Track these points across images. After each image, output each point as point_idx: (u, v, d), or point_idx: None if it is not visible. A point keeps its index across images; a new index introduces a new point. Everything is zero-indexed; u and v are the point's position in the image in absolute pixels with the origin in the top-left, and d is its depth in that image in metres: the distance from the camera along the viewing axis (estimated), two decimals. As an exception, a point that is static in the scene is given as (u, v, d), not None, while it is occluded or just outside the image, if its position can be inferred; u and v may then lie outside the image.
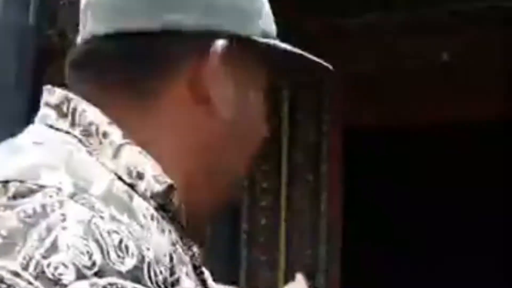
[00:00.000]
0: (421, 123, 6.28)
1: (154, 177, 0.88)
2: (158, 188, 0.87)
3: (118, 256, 0.74)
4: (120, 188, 0.84)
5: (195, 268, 0.93)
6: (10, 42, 3.67)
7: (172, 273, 0.81)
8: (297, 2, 5.76)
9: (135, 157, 0.88)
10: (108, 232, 0.75)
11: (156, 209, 0.87)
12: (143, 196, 0.86)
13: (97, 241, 0.74)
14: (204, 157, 0.95)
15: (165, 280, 0.79)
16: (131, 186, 0.86)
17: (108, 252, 0.74)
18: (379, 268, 7.09)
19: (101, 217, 0.76)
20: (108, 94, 0.92)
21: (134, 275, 0.75)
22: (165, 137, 0.92)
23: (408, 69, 5.95)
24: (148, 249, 0.78)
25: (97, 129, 0.89)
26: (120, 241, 0.75)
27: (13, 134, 3.44)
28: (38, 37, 3.72)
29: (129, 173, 0.87)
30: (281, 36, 1.08)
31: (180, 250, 0.87)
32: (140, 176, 0.87)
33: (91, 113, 0.89)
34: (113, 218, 0.77)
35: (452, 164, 7.23)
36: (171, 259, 0.82)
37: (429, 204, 7.23)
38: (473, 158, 7.18)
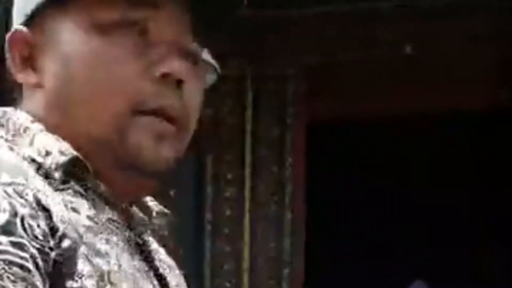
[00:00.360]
0: (386, 115, 6.29)
1: (60, 151, 0.98)
2: (64, 159, 0.97)
3: None
4: (26, 164, 0.96)
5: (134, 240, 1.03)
6: None
7: (56, 229, 0.89)
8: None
9: (46, 140, 0.99)
10: None
11: (64, 182, 0.97)
12: (49, 169, 0.97)
13: None
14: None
15: (44, 232, 0.87)
16: (39, 164, 0.97)
17: None
18: (342, 261, 7.09)
19: None
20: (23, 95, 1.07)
21: (7, 228, 0.84)
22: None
23: (375, 58, 5.96)
24: (23, 206, 0.86)
25: (22, 128, 1.01)
26: None
27: None
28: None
29: (39, 153, 0.98)
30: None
31: (88, 219, 0.96)
32: (47, 153, 0.98)
33: (21, 118, 1.02)
34: None
35: (417, 157, 7.27)
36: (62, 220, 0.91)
37: (394, 197, 7.25)
38: (438, 152, 7.22)
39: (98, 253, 0.93)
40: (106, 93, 1.01)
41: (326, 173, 6.82)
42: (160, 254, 1.11)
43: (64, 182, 0.97)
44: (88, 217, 0.96)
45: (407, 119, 6.49)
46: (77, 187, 0.98)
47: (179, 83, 1.04)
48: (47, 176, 0.97)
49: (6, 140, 0.99)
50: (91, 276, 0.90)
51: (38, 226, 0.87)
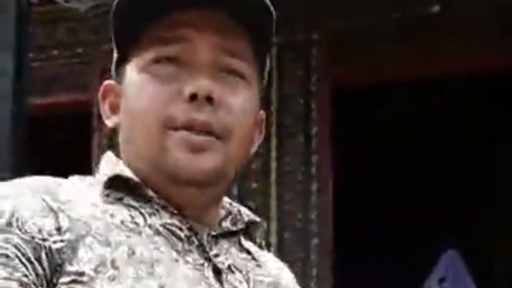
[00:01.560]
0: (414, 77, 6.19)
1: (106, 174, 1.18)
2: (104, 179, 1.18)
3: None
4: (75, 185, 1.18)
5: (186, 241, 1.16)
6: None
7: (60, 226, 1.09)
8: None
9: (106, 167, 1.21)
10: None
11: (120, 198, 1.16)
12: (96, 183, 1.18)
13: None
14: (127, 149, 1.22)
15: (39, 228, 1.08)
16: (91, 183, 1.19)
17: None
18: (371, 230, 7.07)
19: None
20: None
21: (5, 229, 1.07)
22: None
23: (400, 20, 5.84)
24: (25, 210, 1.08)
25: (101, 163, 1.24)
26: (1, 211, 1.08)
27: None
28: (19, 1, 3.62)
29: (99, 178, 1.20)
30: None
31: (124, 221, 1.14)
32: (102, 177, 1.19)
33: (105, 156, 1.24)
34: (7, 197, 1.10)
35: (445, 119, 7.19)
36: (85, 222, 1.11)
37: (422, 162, 7.20)
38: (465, 114, 7.14)
39: (105, 243, 1.09)
40: (147, 119, 1.15)
41: (353, 142, 6.74)
42: (238, 257, 1.20)
43: (118, 198, 1.16)
44: (121, 220, 1.13)
45: (434, 82, 6.39)
46: (128, 201, 1.16)
47: (209, 100, 1.13)
48: (105, 195, 1.16)
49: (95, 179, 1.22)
50: (89, 262, 1.08)
51: (34, 223, 1.08)
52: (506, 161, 7.36)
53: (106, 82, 1.25)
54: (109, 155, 1.23)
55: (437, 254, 5.92)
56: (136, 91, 1.17)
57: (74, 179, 1.20)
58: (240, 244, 1.24)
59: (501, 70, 5.91)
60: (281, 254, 5.80)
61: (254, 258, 1.25)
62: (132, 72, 1.19)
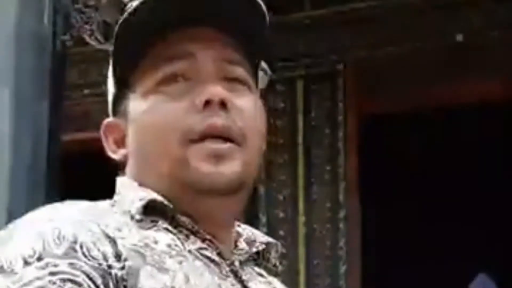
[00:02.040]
0: (436, 106, 6.25)
1: (140, 199, 1.17)
2: (138, 205, 1.17)
3: (56, 243, 1.03)
4: (104, 205, 1.18)
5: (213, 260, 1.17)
6: (27, 49, 3.72)
7: (120, 253, 1.08)
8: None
9: (131, 193, 1.19)
10: (52, 230, 1.05)
11: (153, 221, 1.16)
12: (134, 215, 1.16)
13: (40, 237, 1.04)
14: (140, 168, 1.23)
15: (104, 255, 1.06)
16: (130, 213, 1.17)
17: (48, 242, 1.03)
18: (398, 260, 7.08)
19: (52, 221, 1.08)
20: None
21: (68, 253, 1.03)
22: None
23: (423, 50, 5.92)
24: (87, 235, 1.06)
25: (118, 189, 1.23)
26: (59, 233, 1.04)
27: (36, 144, 3.44)
28: (54, 43, 3.78)
29: (128, 205, 1.18)
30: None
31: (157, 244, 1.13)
32: (132, 203, 1.17)
33: (119, 182, 1.24)
34: (63, 219, 1.09)
35: (469, 148, 7.21)
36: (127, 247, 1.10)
37: (449, 188, 7.22)
38: (490, 142, 7.15)
39: (164, 271, 1.08)
40: (165, 135, 1.17)
41: (379, 168, 6.80)
42: (259, 282, 1.23)
43: (152, 221, 1.16)
44: (167, 245, 1.12)
45: (461, 110, 6.44)
46: (164, 225, 1.16)
47: (222, 105, 1.16)
48: (137, 220, 1.15)
49: (114, 200, 1.21)
50: None
51: (98, 250, 1.06)
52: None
53: (106, 120, 1.27)
54: (125, 180, 1.23)
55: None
56: (147, 114, 1.19)
57: (100, 203, 1.20)
58: (256, 265, 1.27)
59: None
60: (309, 281, 5.89)
61: (269, 282, 1.27)
62: (137, 99, 1.21)
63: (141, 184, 1.20)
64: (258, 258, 1.28)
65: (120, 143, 1.24)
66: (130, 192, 1.19)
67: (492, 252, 6.84)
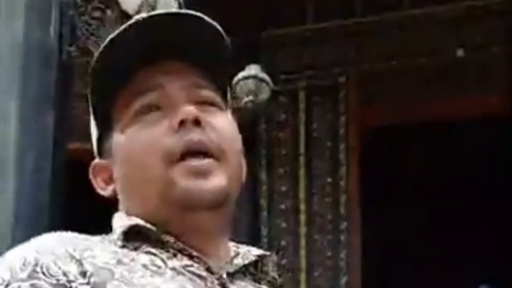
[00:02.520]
0: (437, 119, 6.30)
1: (120, 226, 1.21)
2: (119, 231, 1.21)
3: (21, 269, 1.11)
4: (95, 237, 1.22)
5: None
6: (33, 60, 3.77)
7: (85, 271, 1.12)
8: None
9: (117, 222, 1.24)
10: (19, 258, 1.13)
11: (137, 247, 1.19)
12: (117, 240, 1.20)
13: (8, 267, 1.13)
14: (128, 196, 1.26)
15: (64, 272, 1.11)
16: (114, 240, 1.21)
17: (15, 270, 1.12)
18: (400, 273, 7.09)
19: (23, 251, 1.16)
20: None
21: (31, 275, 1.11)
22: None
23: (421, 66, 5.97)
24: (48, 257, 1.12)
25: (113, 222, 1.28)
26: (24, 260, 1.12)
27: (42, 153, 3.47)
28: (60, 54, 3.83)
29: (114, 233, 1.23)
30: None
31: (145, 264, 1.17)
32: (115, 231, 1.23)
33: (114, 216, 1.28)
34: (31, 250, 1.15)
35: (467, 160, 7.24)
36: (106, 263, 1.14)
37: (451, 201, 7.25)
38: (492, 155, 7.18)
39: (131, 285, 1.12)
40: (147, 161, 1.21)
41: (380, 180, 6.83)
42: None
43: (135, 247, 1.20)
44: (143, 264, 1.16)
45: (462, 123, 6.48)
46: (147, 248, 1.19)
47: (196, 122, 1.20)
48: (120, 246, 1.20)
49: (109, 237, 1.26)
50: None
51: (59, 268, 1.12)
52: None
53: (93, 162, 1.31)
54: (119, 214, 1.27)
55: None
56: (128, 145, 1.23)
57: (93, 237, 1.23)
58: (255, 281, 1.28)
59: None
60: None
61: None
62: (117, 135, 1.25)
63: (130, 214, 1.24)
64: (257, 273, 1.28)
65: (109, 180, 1.28)
66: (117, 223, 1.24)
67: (493, 260, 6.87)
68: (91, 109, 1.30)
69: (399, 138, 6.99)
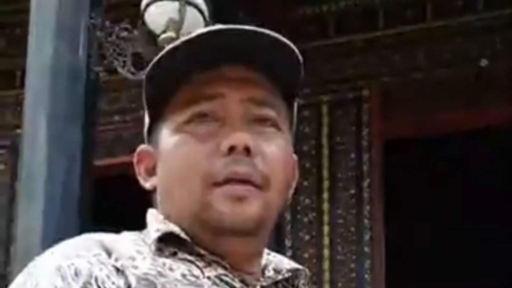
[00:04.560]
0: (459, 129, 6.31)
1: (157, 230, 1.20)
2: (155, 236, 1.19)
3: (73, 279, 1.10)
4: (130, 236, 1.22)
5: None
6: (63, 81, 3.85)
7: (129, 283, 1.12)
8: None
9: (154, 225, 1.22)
10: (68, 267, 1.12)
11: (174, 253, 1.18)
12: (152, 245, 1.18)
13: (60, 275, 1.11)
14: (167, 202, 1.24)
15: (118, 285, 1.11)
16: (149, 244, 1.20)
17: (66, 278, 1.10)
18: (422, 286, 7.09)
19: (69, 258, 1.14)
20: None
21: (84, 285, 1.10)
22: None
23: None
24: (101, 269, 1.12)
25: (148, 222, 1.26)
26: (75, 269, 1.11)
27: (70, 169, 3.57)
28: (88, 73, 3.89)
29: (149, 236, 1.21)
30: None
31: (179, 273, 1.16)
32: (152, 234, 1.20)
33: (148, 216, 1.26)
34: (79, 256, 1.14)
35: (499, 170, 7.24)
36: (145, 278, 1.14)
37: (472, 212, 7.25)
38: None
39: None
40: (187, 177, 1.18)
41: (404, 192, 6.86)
42: None
43: (172, 252, 1.19)
44: (182, 274, 1.15)
45: (485, 133, 6.49)
46: (183, 255, 1.18)
47: (246, 151, 1.16)
48: (156, 250, 1.18)
49: (145, 232, 1.24)
50: None
51: (113, 283, 1.11)
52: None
53: (140, 147, 1.28)
54: (153, 212, 1.25)
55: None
56: (173, 152, 1.21)
57: (125, 234, 1.22)
58: None
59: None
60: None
61: None
62: (166, 134, 1.23)
63: (167, 217, 1.22)
64: (288, 286, 1.25)
65: (151, 171, 1.25)
66: (153, 225, 1.22)
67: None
68: (144, 100, 1.26)
69: (422, 150, 7.02)
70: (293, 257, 6.09)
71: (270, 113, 1.20)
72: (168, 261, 1.16)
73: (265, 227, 1.19)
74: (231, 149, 1.16)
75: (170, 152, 1.21)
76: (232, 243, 1.18)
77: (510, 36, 5.91)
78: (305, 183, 6.08)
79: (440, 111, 6.04)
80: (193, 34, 1.20)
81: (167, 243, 1.18)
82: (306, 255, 6.02)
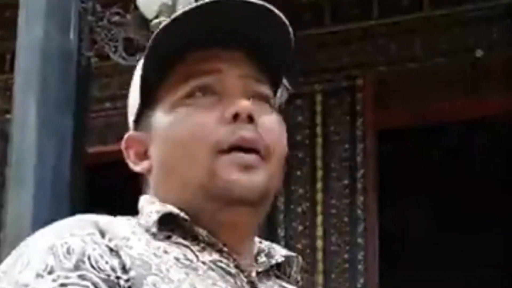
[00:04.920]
0: (452, 119, 6.29)
1: (156, 211, 1.19)
2: (155, 217, 1.19)
3: (65, 257, 1.09)
4: (123, 220, 1.20)
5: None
6: (53, 65, 3.80)
7: (124, 264, 1.11)
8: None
9: (150, 207, 1.22)
10: (61, 245, 1.10)
11: (169, 236, 1.17)
12: (149, 227, 1.18)
13: (52, 253, 1.10)
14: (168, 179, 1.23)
15: (112, 266, 1.09)
16: (145, 226, 1.19)
17: (58, 256, 1.09)
18: (416, 275, 7.09)
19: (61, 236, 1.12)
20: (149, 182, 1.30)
21: (76, 266, 1.08)
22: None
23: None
24: (94, 249, 1.10)
25: (141, 207, 1.25)
26: (68, 248, 1.10)
27: (60, 154, 3.53)
28: (79, 58, 3.85)
29: (145, 219, 1.21)
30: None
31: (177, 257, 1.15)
32: (148, 216, 1.20)
33: (142, 200, 1.25)
34: (73, 235, 1.12)
35: (492, 160, 7.22)
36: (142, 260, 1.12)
37: (467, 202, 7.24)
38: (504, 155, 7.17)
39: (169, 281, 1.10)
40: (193, 147, 1.18)
41: (398, 182, 6.83)
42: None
43: (167, 235, 1.18)
44: (176, 258, 1.15)
45: (479, 123, 6.47)
46: (178, 239, 1.18)
47: (250, 119, 1.18)
48: (152, 233, 1.18)
49: (137, 217, 1.24)
50: None
51: (106, 262, 1.10)
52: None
53: (128, 133, 1.28)
54: (147, 197, 1.25)
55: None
56: (175, 126, 1.20)
57: (120, 218, 1.21)
58: (279, 280, 1.26)
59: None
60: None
61: None
62: (161, 114, 1.23)
63: (163, 199, 1.21)
64: (280, 274, 1.27)
65: (142, 156, 1.25)
66: (148, 207, 1.21)
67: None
68: (137, 80, 1.26)
69: (417, 139, 7.00)
70: (286, 248, 6.01)
71: (267, 91, 1.24)
72: (163, 244, 1.15)
73: (268, 198, 1.20)
74: (236, 116, 1.17)
75: (171, 128, 1.21)
76: (238, 213, 1.18)
77: (506, 26, 5.87)
78: (299, 173, 6.04)
79: (436, 101, 6.01)
80: (187, 8, 1.20)
81: (162, 227, 1.18)
82: (299, 246, 5.97)
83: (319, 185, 6.06)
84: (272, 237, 5.87)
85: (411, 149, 7.19)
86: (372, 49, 6.15)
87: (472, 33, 5.93)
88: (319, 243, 6.01)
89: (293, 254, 1.27)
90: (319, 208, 6.04)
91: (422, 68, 6.05)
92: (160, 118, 1.22)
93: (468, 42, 5.92)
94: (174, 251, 1.15)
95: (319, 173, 6.07)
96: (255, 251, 1.24)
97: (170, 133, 1.21)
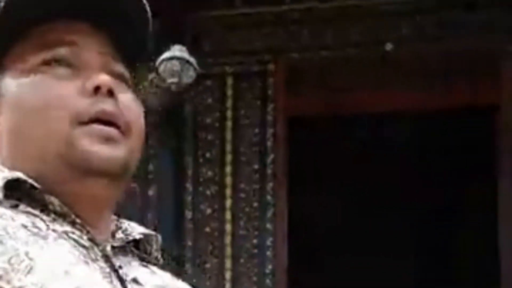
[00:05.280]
0: (363, 110, 6.33)
1: (3, 177, 1.12)
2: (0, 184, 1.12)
3: None
4: None
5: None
6: None
7: None
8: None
9: None
10: None
11: (16, 205, 1.12)
12: None
13: None
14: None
15: None
16: None
17: None
18: (324, 257, 7.13)
19: None
20: None
21: None
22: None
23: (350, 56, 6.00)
24: None
25: None
26: None
27: None
28: None
29: None
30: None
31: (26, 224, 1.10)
32: None
33: None
34: None
35: (399, 151, 7.31)
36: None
37: (374, 190, 7.31)
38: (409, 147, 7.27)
39: (16, 238, 1.06)
40: (51, 115, 1.15)
41: (307, 168, 6.85)
42: (139, 271, 1.20)
43: (14, 204, 1.13)
44: (22, 225, 1.09)
45: (388, 115, 6.54)
46: (27, 208, 1.13)
47: (110, 93, 1.16)
48: None
49: None
50: (2, 255, 1.04)
51: None
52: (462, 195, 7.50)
53: None
54: None
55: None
56: (29, 92, 1.17)
57: None
58: (140, 258, 1.23)
59: (443, 108, 6.09)
60: (236, 278, 5.90)
61: (152, 272, 1.23)
62: (11, 80, 1.19)
63: (13, 167, 1.16)
64: (139, 252, 1.24)
65: None
66: None
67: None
68: None
69: (327, 127, 7.02)
70: (194, 231, 6.01)
71: (123, 69, 1.22)
72: (9, 212, 1.10)
73: (127, 172, 1.18)
74: (96, 89, 1.15)
75: (24, 93, 1.17)
76: (96, 185, 1.15)
77: (416, 22, 5.93)
78: (208, 155, 5.99)
79: (347, 92, 6.03)
80: None
81: (8, 193, 1.12)
82: (207, 229, 5.92)
83: (228, 168, 6.02)
84: (179, 219, 5.81)
85: (322, 138, 7.21)
86: (284, 34, 6.13)
87: (383, 26, 5.97)
88: (228, 227, 5.97)
89: (152, 232, 1.24)
90: (228, 192, 6.00)
91: (334, 57, 6.07)
92: (11, 82, 1.18)
93: (379, 35, 5.95)
94: (21, 218, 1.10)
95: (229, 157, 6.03)
96: (112, 227, 1.21)
97: (23, 100, 1.16)
